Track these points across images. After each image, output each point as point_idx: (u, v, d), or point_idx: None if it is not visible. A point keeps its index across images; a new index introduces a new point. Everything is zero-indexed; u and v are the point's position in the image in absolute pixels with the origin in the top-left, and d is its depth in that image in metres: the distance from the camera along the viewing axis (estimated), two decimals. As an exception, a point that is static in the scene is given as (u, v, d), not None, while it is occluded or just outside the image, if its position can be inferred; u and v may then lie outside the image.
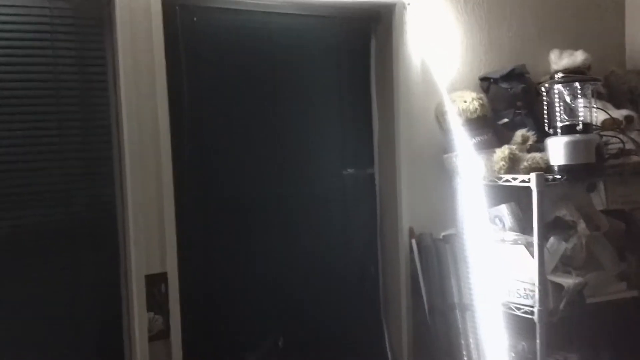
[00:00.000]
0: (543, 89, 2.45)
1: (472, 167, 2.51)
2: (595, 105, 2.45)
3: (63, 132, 2.13)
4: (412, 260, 2.64)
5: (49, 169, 2.11)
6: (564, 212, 2.42)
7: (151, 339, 2.22)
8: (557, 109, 2.40)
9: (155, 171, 2.20)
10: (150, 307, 2.22)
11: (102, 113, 2.18)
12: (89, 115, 2.17)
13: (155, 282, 2.22)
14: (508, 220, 2.53)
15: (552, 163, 2.34)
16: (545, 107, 2.45)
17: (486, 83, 2.71)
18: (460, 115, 2.59)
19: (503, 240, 2.46)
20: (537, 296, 2.28)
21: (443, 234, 2.68)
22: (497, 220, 2.57)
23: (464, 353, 2.49)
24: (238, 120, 2.49)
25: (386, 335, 2.69)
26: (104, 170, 2.19)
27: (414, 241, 2.65)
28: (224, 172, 2.46)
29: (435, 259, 2.60)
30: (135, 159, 2.16)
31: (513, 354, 2.45)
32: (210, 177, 2.44)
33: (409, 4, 2.62)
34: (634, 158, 2.46)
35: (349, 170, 2.72)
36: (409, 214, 2.66)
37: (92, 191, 2.19)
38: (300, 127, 2.62)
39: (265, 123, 2.55)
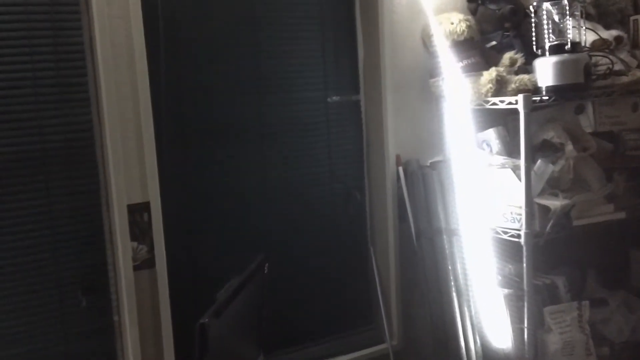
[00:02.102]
0: (531, 7, 2.38)
1: (459, 91, 2.46)
2: (584, 25, 2.39)
3: (35, 57, 2.05)
4: (399, 187, 2.62)
5: (22, 96, 2.04)
6: (552, 134, 2.39)
7: (136, 268, 2.21)
8: (546, 29, 2.34)
9: (132, 97, 2.14)
10: (133, 236, 2.20)
11: (75, 37, 2.09)
12: (61, 39, 2.08)
13: (137, 212, 2.20)
14: (495, 144, 2.50)
15: (540, 84, 2.30)
16: (533, 28, 2.39)
17: (474, 4, 2.63)
18: (447, 37, 2.52)
19: (490, 165, 2.44)
20: (523, 219, 2.27)
21: (430, 160, 2.65)
22: (484, 145, 2.54)
23: (451, 277, 2.50)
24: (218, 43, 2.41)
25: (374, 261, 2.69)
26: (80, 97, 2.12)
27: (400, 168, 2.62)
28: (205, 98, 2.40)
29: (422, 186, 2.58)
30: (111, 84, 2.09)
31: (500, 277, 2.46)
32: (190, 103, 2.38)
33: None
34: (623, 79, 2.42)
35: (333, 97, 2.66)
36: (395, 140, 2.63)
37: (68, 119, 2.12)
38: (283, 53, 2.54)
39: (247, 49, 2.47)
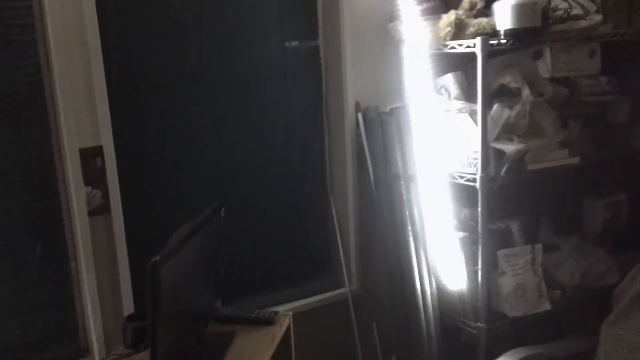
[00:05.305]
0: (492, -51, 2.36)
1: (418, 35, 2.44)
2: (544, -31, 2.38)
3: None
4: (359, 134, 2.61)
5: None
6: (509, 79, 2.39)
7: (91, 213, 2.19)
8: (506, -29, 2.33)
9: (80, 39, 2.08)
10: (87, 181, 2.17)
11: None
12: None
13: (90, 156, 2.16)
14: (454, 89, 2.50)
15: (498, 28, 2.29)
16: (493, -30, 2.37)
17: (434, -54, 2.58)
18: (406, -20, 2.49)
19: (448, 110, 2.44)
20: (479, 163, 2.29)
21: (389, 107, 2.64)
22: (442, 90, 2.54)
23: (408, 222, 2.52)
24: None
25: (333, 209, 2.70)
26: (27, 39, 2.05)
27: (360, 115, 2.61)
28: (159, 42, 2.35)
29: (381, 132, 2.58)
30: (58, 25, 2.03)
31: (456, 221, 2.50)
32: (144, 47, 2.32)
33: None
34: (581, 23, 2.42)
35: (292, 42, 2.62)
36: (354, 86, 2.61)
37: (15, 63, 2.05)
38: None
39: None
